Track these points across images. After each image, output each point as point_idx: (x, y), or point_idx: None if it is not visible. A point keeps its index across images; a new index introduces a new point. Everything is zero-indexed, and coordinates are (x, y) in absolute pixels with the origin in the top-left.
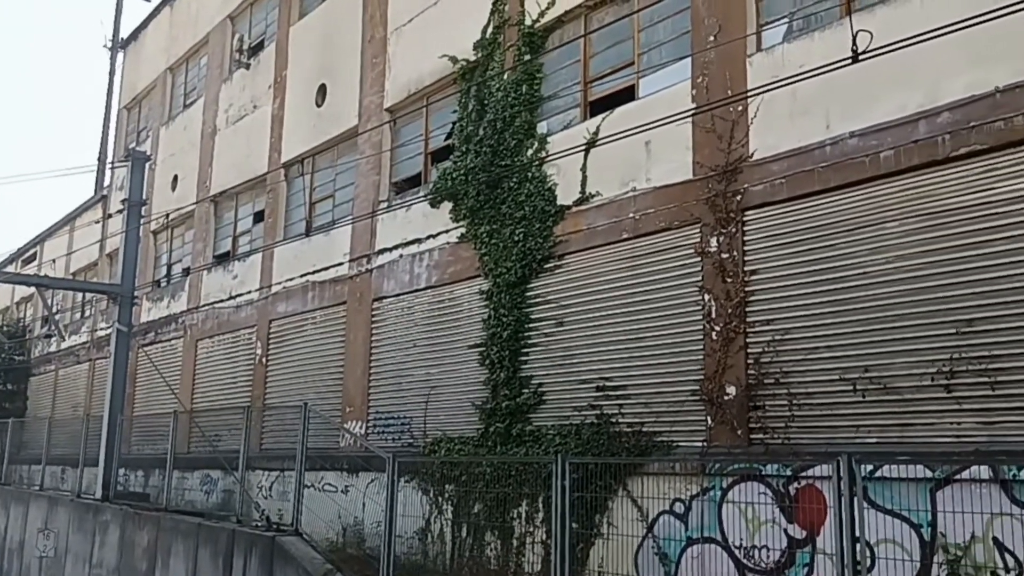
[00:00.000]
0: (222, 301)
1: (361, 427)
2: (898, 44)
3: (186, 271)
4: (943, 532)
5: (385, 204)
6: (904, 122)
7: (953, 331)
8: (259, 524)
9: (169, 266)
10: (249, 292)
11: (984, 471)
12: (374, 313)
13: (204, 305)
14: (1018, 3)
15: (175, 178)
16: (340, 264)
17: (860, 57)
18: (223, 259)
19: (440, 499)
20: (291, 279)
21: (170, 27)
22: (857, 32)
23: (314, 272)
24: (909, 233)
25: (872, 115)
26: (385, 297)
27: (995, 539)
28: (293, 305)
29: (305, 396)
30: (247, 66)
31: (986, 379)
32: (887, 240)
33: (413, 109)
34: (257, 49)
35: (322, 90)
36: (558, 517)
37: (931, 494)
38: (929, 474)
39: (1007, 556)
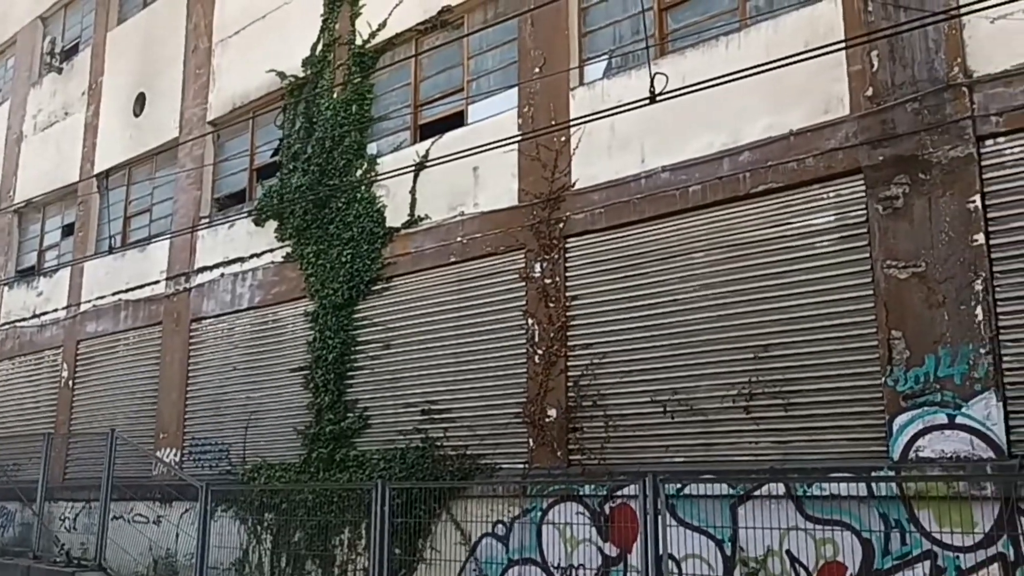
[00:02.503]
0: (24, 320)
1: (176, 454)
2: (691, 88)
3: None
4: (742, 546)
5: (206, 220)
6: (711, 159)
7: (752, 356)
8: (58, 560)
9: None
10: (56, 310)
11: (779, 488)
12: (192, 334)
13: (4, 324)
14: (805, 53)
15: None
16: (156, 282)
17: (658, 98)
18: (27, 274)
19: (259, 528)
20: (102, 297)
21: None
22: (655, 75)
23: (128, 290)
24: (714, 263)
25: (683, 151)
26: (204, 318)
27: (788, 552)
28: (104, 325)
29: (115, 422)
30: (59, 70)
31: (780, 401)
32: (695, 269)
33: (238, 123)
34: (71, 53)
35: (141, 99)
36: (377, 544)
37: (732, 510)
38: (730, 491)
39: (799, 568)
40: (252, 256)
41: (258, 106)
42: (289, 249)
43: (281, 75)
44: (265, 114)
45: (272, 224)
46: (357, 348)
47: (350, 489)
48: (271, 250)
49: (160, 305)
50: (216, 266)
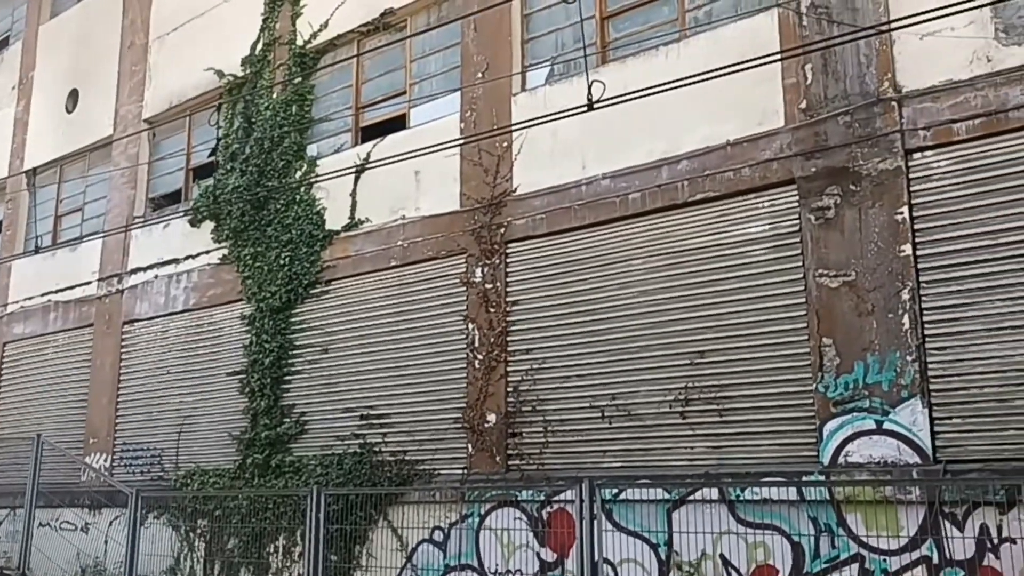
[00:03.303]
0: None
1: (106, 460)
2: (627, 96)
3: None
4: (677, 550)
5: (140, 220)
6: (650, 167)
7: (688, 362)
8: None
9: None
10: None
11: (713, 492)
12: (124, 337)
13: None
14: (738, 65)
15: None
16: (88, 283)
17: (595, 106)
18: None
19: (192, 535)
20: (31, 298)
21: None
22: (592, 82)
23: (58, 291)
24: (653, 270)
25: (623, 159)
26: (137, 320)
27: (722, 556)
28: (32, 327)
29: (43, 426)
30: None
31: (715, 407)
32: (634, 276)
33: (175, 122)
34: (1, 47)
35: (74, 95)
36: (313, 550)
37: (668, 515)
38: (666, 496)
39: (731, 571)
40: (187, 258)
41: (195, 105)
42: (226, 251)
43: (219, 74)
44: (202, 113)
45: (208, 225)
46: (295, 352)
47: (285, 495)
48: (207, 252)
49: (91, 307)
50: (150, 267)
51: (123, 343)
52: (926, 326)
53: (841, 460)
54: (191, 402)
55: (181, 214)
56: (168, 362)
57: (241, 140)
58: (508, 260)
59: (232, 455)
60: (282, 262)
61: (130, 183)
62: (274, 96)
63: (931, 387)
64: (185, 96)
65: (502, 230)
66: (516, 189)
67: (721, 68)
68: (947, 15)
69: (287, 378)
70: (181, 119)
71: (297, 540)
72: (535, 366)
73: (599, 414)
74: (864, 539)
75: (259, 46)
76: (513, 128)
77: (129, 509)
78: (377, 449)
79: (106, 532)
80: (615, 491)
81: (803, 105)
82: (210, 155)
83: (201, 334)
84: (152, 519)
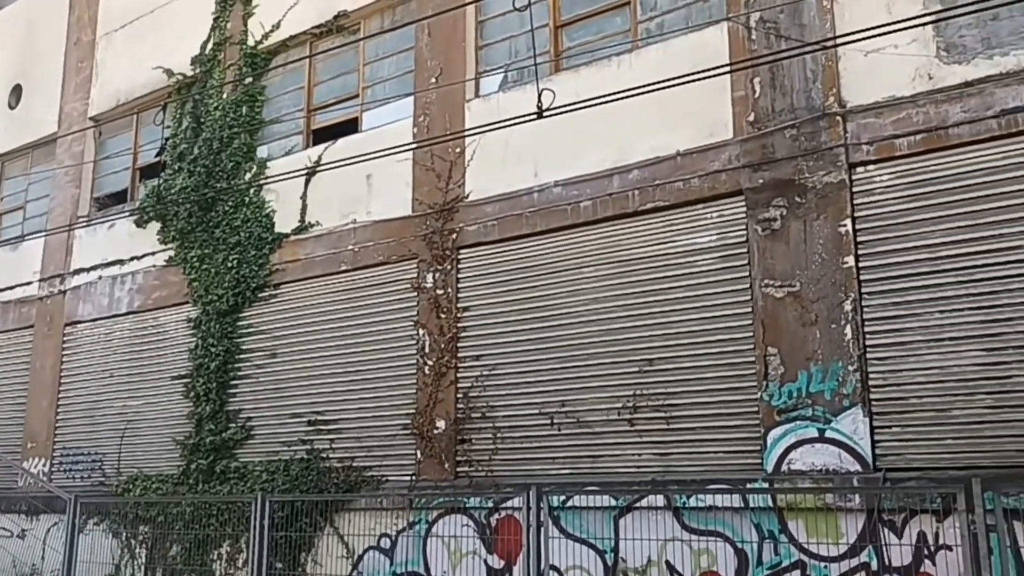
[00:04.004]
0: None
1: (45, 465)
2: (577, 105)
3: None
4: (624, 557)
5: (85, 220)
6: (601, 176)
7: (637, 369)
8: None
9: None
10: None
11: (659, 500)
12: (66, 339)
13: None
14: (685, 76)
15: None
16: (29, 283)
17: (544, 114)
18: None
19: (133, 542)
20: None
21: None
22: (542, 91)
23: None
24: (603, 278)
25: (575, 167)
26: (80, 322)
27: (667, 562)
28: None
29: None
30: None
31: (662, 414)
32: (584, 284)
33: (122, 120)
34: None
35: (17, 91)
36: (257, 558)
37: (615, 521)
38: (613, 503)
39: None
40: (132, 259)
41: (143, 104)
42: (172, 252)
43: (168, 72)
44: (150, 112)
45: (155, 226)
46: (241, 356)
47: (230, 501)
48: (153, 253)
49: (32, 307)
50: (94, 268)
51: (64, 345)
52: (867, 336)
53: (784, 468)
54: (134, 406)
55: (127, 214)
56: (111, 365)
57: (190, 140)
58: (459, 266)
59: (176, 460)
60: (230, 265)
61: (74, 182)
62: (224, 96)
63: (872, 396)
64: (133, 94)
65: (454, 236)
66: (468, 195)
67: (672, 79)
68: (891, 32)
69: (233, 383)
70: (128, 118)
71: (241, 547)
72: (485, 372)
73: (548, 421)
74: (806, 546)
75: (209, 45)
76: (466, 134)
77: (67, 515)
78: (325, 455)
79: (43, 539)
80: (563, 498)
81: (751, 118)
82: (157, 155)
83: (146, 337)
84: (92, 525)
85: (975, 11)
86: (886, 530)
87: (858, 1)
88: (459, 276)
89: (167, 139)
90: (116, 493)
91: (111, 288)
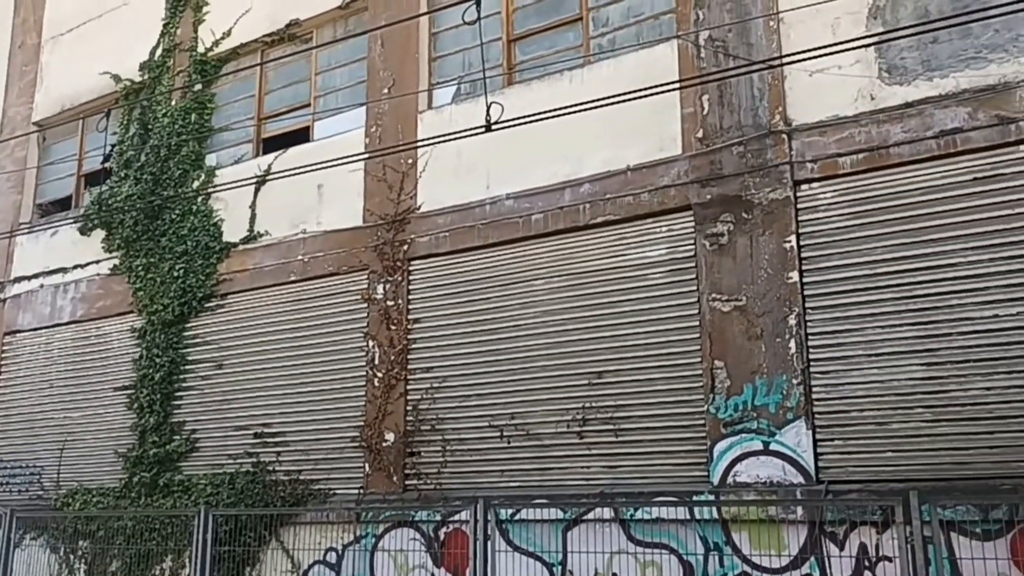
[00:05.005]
0: None
1: None
2: (526, 119)
3: None
4: (571, 570)
5: (26, 227)
6: (553, 189)
7: (586, 382)
8: None
9: None
10: None
11: (607, 512)
12: (4, 349)
13: None
14: (633, 92)
15: None
16: None
17: (493, 127)
18: None
19: (72, 557)
20: None
21: None
22: (491, 103)
23: None
24: (553, 291)
25: (527, 180)
26: (19, 331)
27: (614, 574)
28: None
29: None
30: None
31: (611, 427)
32: (535, 296)
33: (67, 126)
34: None
35: None
36: (199, 573)
37: (563, 534)
38: (561, 515)
39: None
40: (76, 267)
41: (89, 109)
42: (117, 261)
43: (116, 78)
44: (96, 118)
45: (99, 234)
46: (187, 367)
47: (172, 515)
48: (97, 261)
49: None
50: (35, 276)
51: (3, 355)
52: (811, 351)
53: (730, 480)
54: (75, 418)
55: (71, 221)
56: (52, 376)
57: (137, 147)
58: (411, 277)
59: (118, 473)
60: (176, 274)
61: (16, 187)
62: (173, 103)
63: (815, 410)
64: (79, 99)
65: (405, 247)
66: (420, 206)
67: (622, 95)
68: (835, 52)
69: (178, 394)
70: (74, 123)
71: (184, 562)
72: (435, 385)
73: (498, 434)
74: (750, 557)
75: (159, 51)
76: (417, 145)
77: (2, 530)
78: (271, 468)
79: None
80: (511, 511)
81: (700, 134)
82: (103, 161)
83: (88, 347)
84: (29, 540)
85: (915, 33)
86: (828, 542)
87: (804, 22)
88: (410, 288)
89: (113, 146)
90: (55, 507)
91: (53, 297)
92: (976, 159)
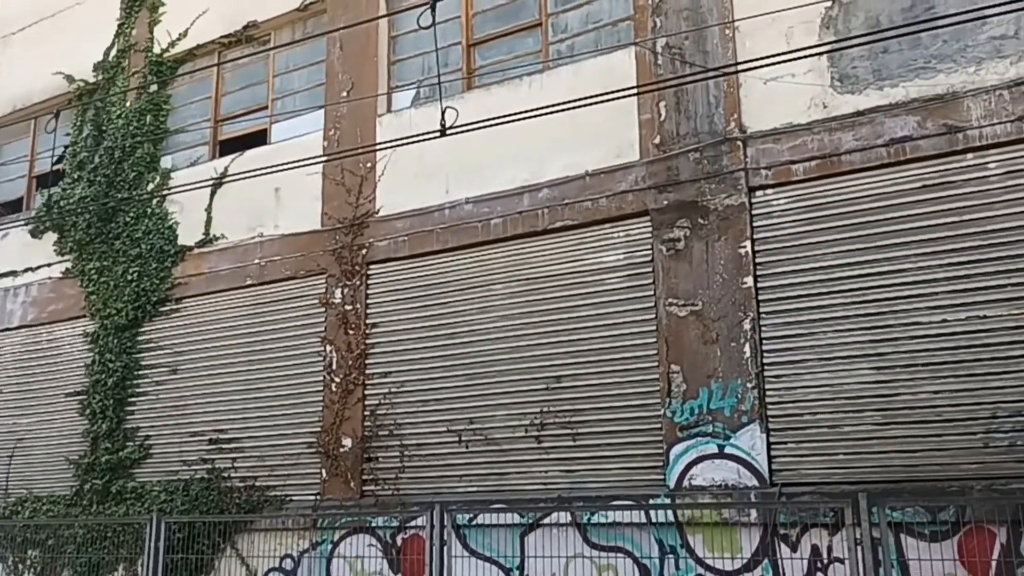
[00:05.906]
0: None
1: None
2: (482, 123)
3: None
4: (528, 574)
5: None
6: (512, 194)
7: (544, 387)
8: None
9: None
10: None
11: (565, 516)
12: None
13: None
14: (593, 97)
15: None
16: None
17: (448, 131)
18: None
19: (20, 567)
20: None
21: None
22: (446, 108)
23: None
24: (512, 295)
25: (487, 185)
26: None
27: None
28: None
29: None
30: None
31: (569, 431)
32: (493, 301)
33: (18, 126)
34: None
35: None
36: None
37: (521, 539)
38: (519, 520)
39: None
40: (27, 270)
41: (41, 110)
42: (69, 264)
43: (69, 79)
44: (48, 118)
45: (51, 236)
46: (141, 372)
47: (124, 523)
48: (49, 264)
49: None
50: None
51: None
52: (765, 355)
53: (686, 483)
54: (25, 424)
55: (22, 223)
56: (1, 381)
57: (90, 148)
58: (369, 282)
59: (69, 481)
60: (130, 277)
61: None
62: (128, 104)
63: (768, 413)
64: (30, 100)
65: (363, 251)
66: (379, 210)
67: (580, 100)
68: (789, 61)
69: (132, 399)
70: (25, 124)
71: (137, 570)
72: (393, 390)
73: (456, 438)
74: (705, 560)
75: (113, 52)
76: (376, 148)
77: None
78: (226, 474)
79: None
80: (469, 516)
81: (657, 140)
82: (55, 163)
83: (39, 352)
84: None
85: (866, 43)
86: (782, 544)
87: (759, 30)
88: (368, 292)
89: (66, 147)
90: (3, 516)
91: (3, 300)
92: (925, 167)
